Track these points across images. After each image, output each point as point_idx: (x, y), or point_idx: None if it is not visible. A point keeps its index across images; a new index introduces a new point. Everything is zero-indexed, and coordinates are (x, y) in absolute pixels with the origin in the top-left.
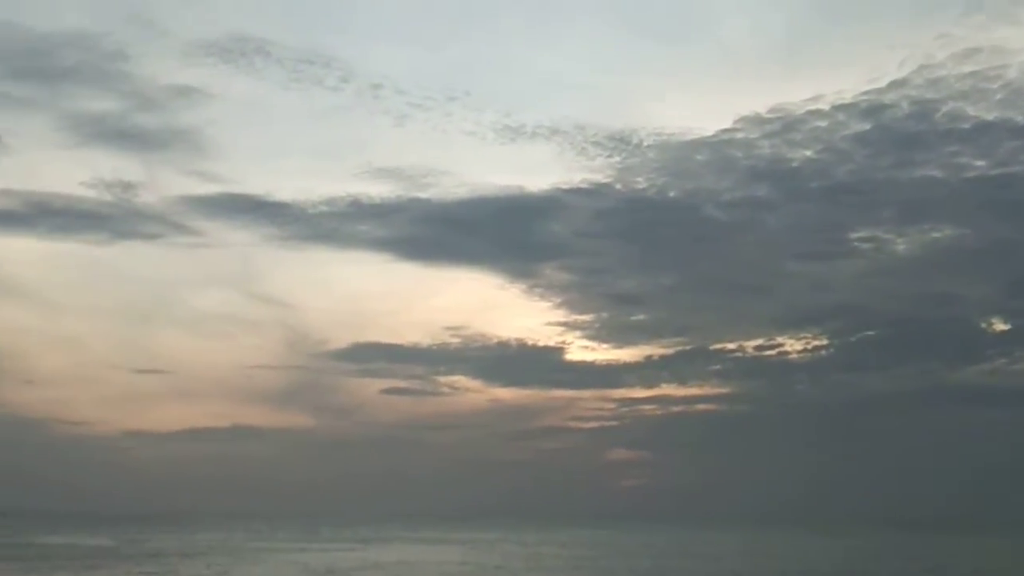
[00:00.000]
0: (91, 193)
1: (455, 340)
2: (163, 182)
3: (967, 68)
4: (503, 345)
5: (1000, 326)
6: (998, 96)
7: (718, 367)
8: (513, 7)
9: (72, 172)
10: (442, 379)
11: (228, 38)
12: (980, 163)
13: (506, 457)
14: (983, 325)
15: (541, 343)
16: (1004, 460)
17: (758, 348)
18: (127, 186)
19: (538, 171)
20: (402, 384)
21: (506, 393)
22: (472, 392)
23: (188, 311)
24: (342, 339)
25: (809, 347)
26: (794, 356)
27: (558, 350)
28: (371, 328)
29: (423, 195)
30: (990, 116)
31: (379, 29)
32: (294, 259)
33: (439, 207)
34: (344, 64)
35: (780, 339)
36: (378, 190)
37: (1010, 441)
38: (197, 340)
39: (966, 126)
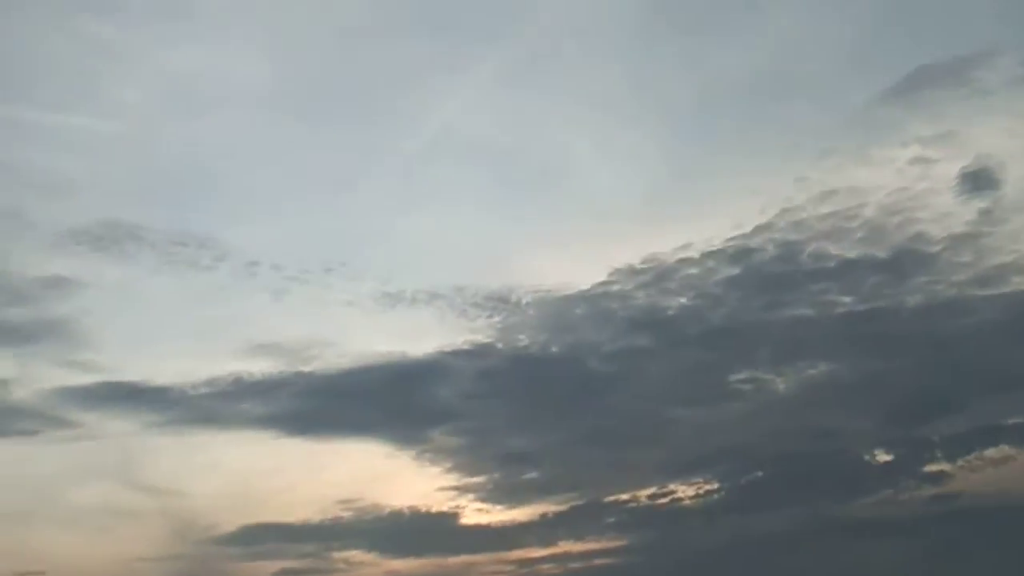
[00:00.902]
0: None
1: (347, 513)
2: (37, 375)
3: (826, 209)
4: (396, 514)
5: (883, 457)
6: (858, 234)
7: (613, 519)
8: (381, 173)
9: None
10: (336, 555)
11: (97, 225)
12: (847, 299)
13: None
14: (866, 457)
15: (434, 509)
16: None
17: (651, 497)
18: None
19: (420, 336)
20: (295, 564)
21: (402, 564)
22: (367, 566)
23: (66, 507)
24: (230, 522)
25: (701, 492)
26: (687, 502)
27: (452, 515)
28: (260, 508)
29: (306, 368)
30: (852, 254)
31: (251, 206)
32: (176, 444)
33: (323, 379)
34: (218, 243)
35: (672, 486)
36: (260, 367)
37: (900, 570)
38: (77, 536)
39: (831, 264)
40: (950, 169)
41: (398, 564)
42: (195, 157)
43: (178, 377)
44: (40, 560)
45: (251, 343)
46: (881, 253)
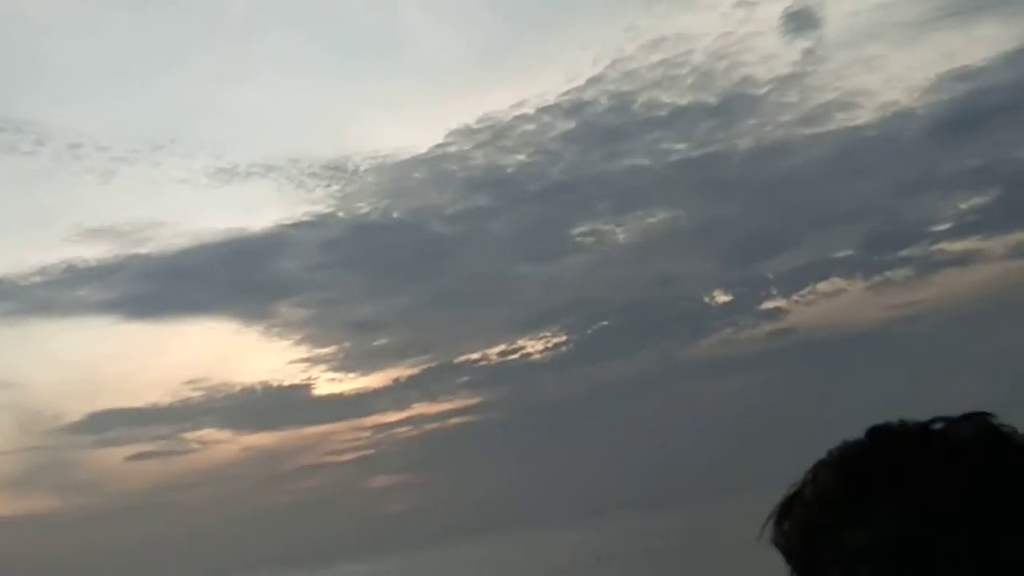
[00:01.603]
0: None
1: (197, 394)
2: None
3: (656, 57)
4: (248, 391)
5: (722, 298)
6: (688, 81)
7: (466, 379)
8: (205, 47)
9: None
10: (189, 435)
11: None
12: (681, 146)
13: (268, 503)
14: (707, 299)
15: (287, 383)
16: (744, 422)
17: (501, 354)
18: None
19: (258, 210)
20: (147, 448)
21: (258, 439)
22: (223, 443)
23: None
24: (76, 411)
25: (550, 345)
26: (536, 356)
27: (305, 387)
28: (106, 395)
29: (142, 251)
30: (683, 101)
31: (70, 87)
32: (12, 336)
33: (160, 260)
34: (37, 126)
35: (521, 342)
36: (93, 252)
37: (744, 405)
38: None
39: (663, 113)
40: (772, 11)
41: (253, 439)
42: (10, 35)
43: (8, 267)
44: None
45: (81, 228)
46: (711, 99)
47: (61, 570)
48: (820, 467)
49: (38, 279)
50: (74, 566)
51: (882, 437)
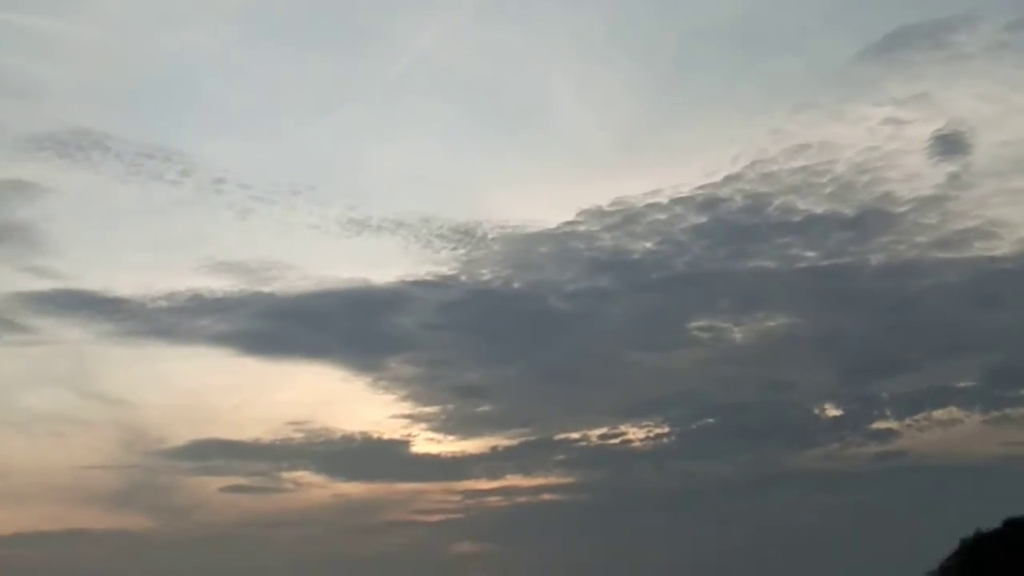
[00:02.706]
0: None
1: (298, 435)
2: None
3: (798, 163)
4: (347, 439)
5: (833, 412)
6: (827, 190)
7: (563, 457)
8: (356, 100)
9: None
10: (285, 475)
11: (64, 131)
12: (811, 254)
13: (351, 552)
14: (816, 411)
15: (386, 436)
16: (840, 541)
17: (602, 437)
18: None
19: (383, 264)
20: (243, 481)
21: (351, 488)
22: (316, 488)
23: (19, 411)
24: (181, 436)
25: (651, 435)
26: (637, 444)
27: (403, 443)
28: (211, 424)
29: (266, 289)
30: (819, 209)
31: (221, 122)
32: (131, 355)
33: (283, 301)
34: (185, 158)
35: (623, 428)
36: (220, 284)
37: (842, 523)
38: (29, 441)
39: (797, 219)
40: (922, 131)
41: (347, 487)
42: (169, 69)
43: (137, 289)
44: None
45: (213, 260)
46: (848, 210)
47: None
48: (953, 554)
49: (164, 304)
50: None
51: (1016, 526)
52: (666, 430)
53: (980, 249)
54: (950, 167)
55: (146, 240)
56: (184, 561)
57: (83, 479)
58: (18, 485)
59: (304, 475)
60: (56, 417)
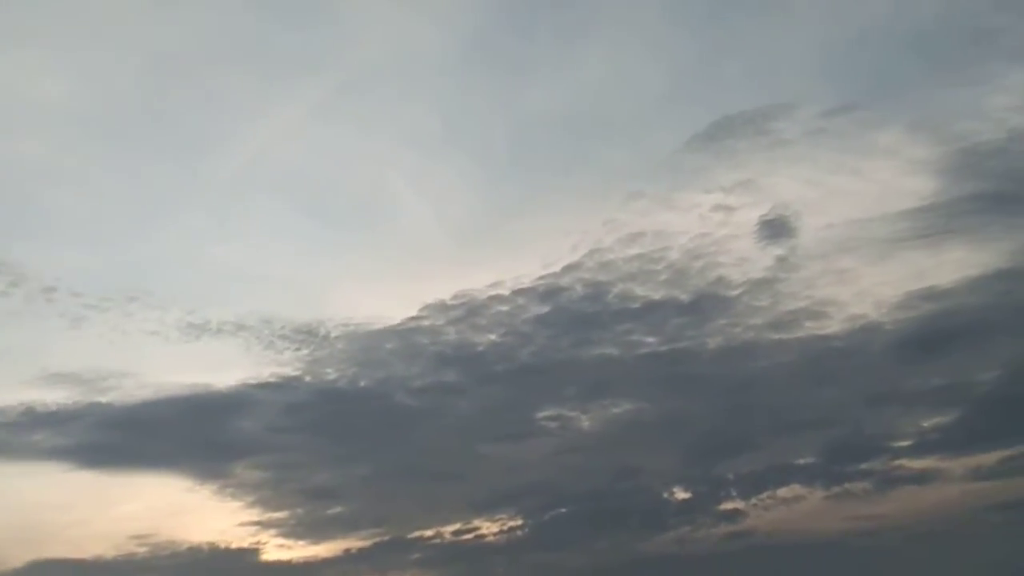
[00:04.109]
0: None
1: (142, 549)
2: None
3: (633, 251)
4: (194, 550)
5: (681, 495)
6: (663, 276)
7: (418, 555)
8: (192, 202)
9: None
10: None
11: None
12: (651, 340)
13: None
14: (666, 495)
15: (235, 545)
16: None
17: (455, 533)
18: None
19: (225, 367)
20: None
21: None
22: None
23: None
24: (17, 558)
25: (505, 528)
26: (491, 538)
27: (253, 551)
28: (50, 543)
29: (103, 399)
30: (657, 295)
31: (51, 230)
32: None
33: (121, 410)
34: (14, 267)
35: (476, 522)
36: (54, 396)
37: None
38: None
39: (636, 305)
40: (750, 216)
41: None
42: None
43: None
44: None
45: (45, 371)
46: (684, 296)
47: None
48: None
49: None
50: None
51: None
52: (519, 522)
53: (811, 328)
54: (778, 250)
55: None
56: None
57: None
58: None
59: None
60: None
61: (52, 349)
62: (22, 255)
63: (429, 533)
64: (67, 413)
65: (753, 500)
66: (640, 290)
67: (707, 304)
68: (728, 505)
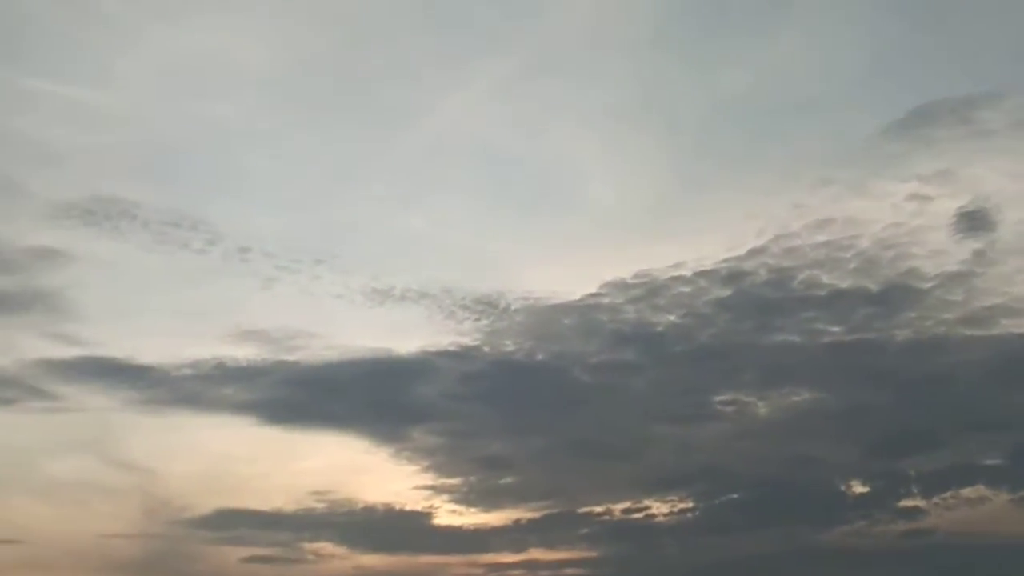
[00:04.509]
0: None
1: (320, 505)
2: (20, 345)
3: (821, 237)
4: (369, 510)
5: (859, 488)
6: (852, 265)
7: (586, 530)
8: (380, 169)
9: None
10: (307, 546)
11: (91, 199)
12: (836, 329)
13: None
14: (843, 488)
15: (408, 507)
16: None
17: (625, 511)
18: None
19: (407, 334)
20: (265, 552)
21: (372, 560)
22: (337, 559)
23: (42, 478)
24: (204, 505)
25: (675, 510)
26: (660, 519)
27: (425, 515)
28: (234, 494)
29: (290, 358)
30: (844, 284)
31: (248, 193)
32: (156, 424)
33: (306, 370)
34: (211, 226)
35: (647, 502)
36: (244, 353)
37: None
38: (51, 508)
39: (822, 293)
40: (947, 207)
41: (368, 559)
42: (195, 137)
43: (161, 357)
44: (16, 529)
45: (237, 329)
46: (873, 286)
47: None
48: None
49: (188, 372)
50: None
51: None
52: (690, 505)
53: (1007, 326)
54: (975, 244)
55: (171, 308)
56: None
57: (106, 547)
58: (40, 553)
59: (326, 546)
60: (79, 485)
61: (245, 307)
62: (220, 215)
63: (599, 509)
64: (256, 369)
65: (935, 499)
66: (827, 278)
67: (897, 295)
68: (908, 502)
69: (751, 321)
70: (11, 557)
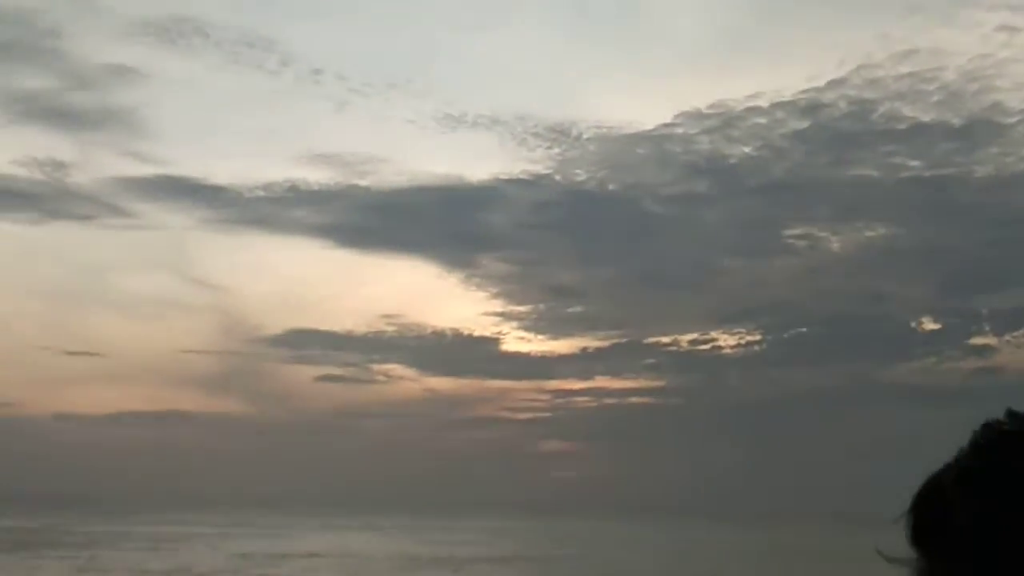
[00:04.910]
0: (22, 172)
1: (391, 328)
2: (97, 162)
3: (905, 69)
4: (438, 334)
5: (930, 325)
6: (935, 98)
7: (652, 360)
8: None
9: (3, 150)
10: (377, 367)
11: (167, 18)
12: (915, 163)
13: (440, 445)
14: (913, 324)
15: (477, 333)
16: (930, 457)
17: (692, 342)
18: (59, 165)
19: (478, 160)
20: (337, 371)
21: (441, 382)
22: (407, 381)
23: (120, 293)
24: (277, 325)
25: (742, 342)
26: (727, 351)
27: (494, 340)
28: (307, 314)
29: (362, 182)
30: (926, 117)
31: (321, 14)
32: (230, 243)
33: (377, 194)
34: (284, 48)
35: (714, 334)
36: (316, 176)
37: (936, 439)
38: (130, 323)
39: (902, 127)
40: None
41: (436, 381)
42: None
43: (235, 177)
44: (93, 342)
45: (310, 152)
46: (955, 119)
47: (236, 469)
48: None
49: (262, 194)
50: (249, 468)
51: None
52: (758, 338)
53: None
54: None
55: (244, 129)
56: (278, 445)
57: (183, 362)
58: (119, 366)
59: (395, 368)
60: (157, 301)
61: (317, 130)
62: (292, 36)
63: (666, 340)
64: (328, 193)
65: (1007, 336)
66: (908, 110)
67: (980, 130)
68: (979, 340)
69: (828, 154)
70: (92, 369)
